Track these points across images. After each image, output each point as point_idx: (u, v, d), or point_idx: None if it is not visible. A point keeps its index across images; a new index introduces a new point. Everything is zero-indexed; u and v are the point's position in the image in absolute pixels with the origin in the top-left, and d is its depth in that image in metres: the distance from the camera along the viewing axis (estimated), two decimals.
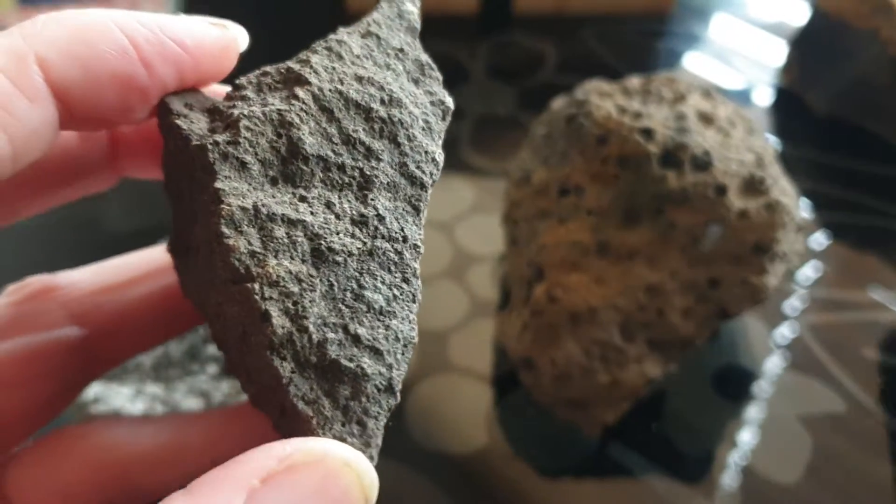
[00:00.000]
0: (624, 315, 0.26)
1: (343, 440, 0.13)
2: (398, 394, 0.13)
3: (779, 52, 0.47)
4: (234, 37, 0.15)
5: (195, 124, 0.14)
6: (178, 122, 0.14)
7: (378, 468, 0.30)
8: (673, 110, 0.27)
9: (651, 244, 0.26)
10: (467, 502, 0.28)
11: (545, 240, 0.27)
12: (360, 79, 0.14)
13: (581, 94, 0.28)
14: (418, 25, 0.16)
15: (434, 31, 0.55)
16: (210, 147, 0.13)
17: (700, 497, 0.28)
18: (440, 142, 0.15)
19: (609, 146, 0.26)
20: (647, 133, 0.26)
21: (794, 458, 0.29)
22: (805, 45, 0.45)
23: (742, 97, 0.47)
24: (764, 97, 0.47)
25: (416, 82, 0.15)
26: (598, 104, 0.27)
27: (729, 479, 0.29)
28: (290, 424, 0.13)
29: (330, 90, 0.14)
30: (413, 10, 0.16)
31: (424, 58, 0.16)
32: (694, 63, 0.50)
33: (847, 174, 0.41)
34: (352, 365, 0.13)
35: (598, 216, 0.26)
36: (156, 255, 0.18)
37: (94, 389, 0.27)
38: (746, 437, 0.30)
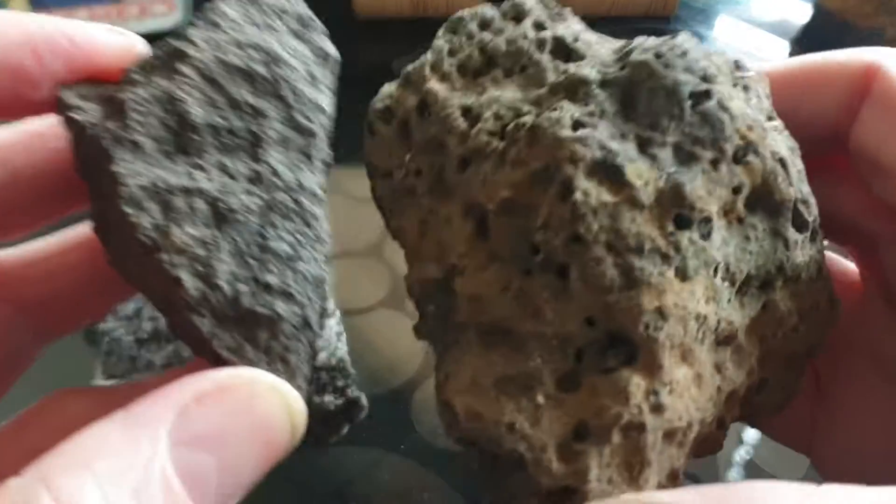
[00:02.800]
0: None
1: None
2: (316, 327, 0.15)
3: (783, 52, 0.47)
4: (130, 42, 0.16)
5: (89, 114, 0.14)
6: (71, 114, 0.15)
7: (386, 463, 0.30)
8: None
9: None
10: (473, 497, 0.28)
11: None
12: (239, 44, 0.15)
13: None
14: None
15: None
16: (102, 134, 0.14)
17: None
18: (327, 90, 0.16)
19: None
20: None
21: (797, 455, 0.29)
22: (809, 44, 0.45)
23: None
24: None
25: (297, 36, 0.16)
26: None
27: (734, 474, 0.29)
28: None
29: (211, 60, 0.15)
30: None
31: (305, 11, 0.16)
32: None
33: None
34: (266, 311, 0.14)
35: None
36: (81, 230, 0.19)
37: (105, 385, 0.27)
38: (751, 433, 0.30)
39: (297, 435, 0.14)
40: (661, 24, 0.53)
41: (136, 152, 0.14)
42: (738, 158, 0.17)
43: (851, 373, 0.20)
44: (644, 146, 0.16)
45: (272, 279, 0.14)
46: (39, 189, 0.17)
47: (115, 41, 0.16)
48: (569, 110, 0.16)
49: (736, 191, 0.17)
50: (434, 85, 0.19)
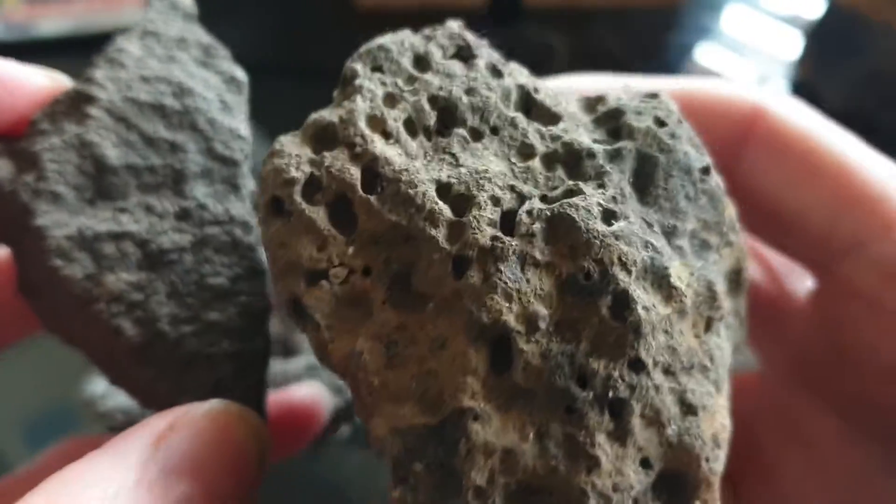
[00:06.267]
0: None
1: None
2: (265, 361, 0.15)
3: (793, 45, 0.46)
4: (59, 86, 0.15)
5: (2, 171, 0.14)
6: None
7: (375, 464, 0.30)
8: None
9: None
10: None
11: None
12: (145, 79, 0.15)
13: None
14: (194, 11, 0.16)
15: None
16: (21, 189, 0.14)
17: None
18: (243, 116, 0.16)
19: None
20: None
21: None
22: (820, 38, 0.44)
23: None
24: (778, 90, 0.46)
25: (204, 65, 0.16)
26: None
27: None
28: None
29: (120, 100, 0.14)
30: None
31: (206, 40, 0.16)
32: (705, 56, 0.50)
33: None
34: (213, 350, 0.14)
35: None
36: None
37: (100, 386, 0.27)
38: None
39: (264, 463, 0.14)
40: (669, 15, 0.52)
41: (58, 203, 0.14)
42: (728, 241, 0.15)
43: (777, 474, 0.18)
44: (669, 237, 0.14)
45: (215, 317, 0.14)
46: None
47: (43, 85, 0.15)
48: (593, 196, 0.13)
49: (728, 277, 0.15)
50: (381, 148, 0.14)
